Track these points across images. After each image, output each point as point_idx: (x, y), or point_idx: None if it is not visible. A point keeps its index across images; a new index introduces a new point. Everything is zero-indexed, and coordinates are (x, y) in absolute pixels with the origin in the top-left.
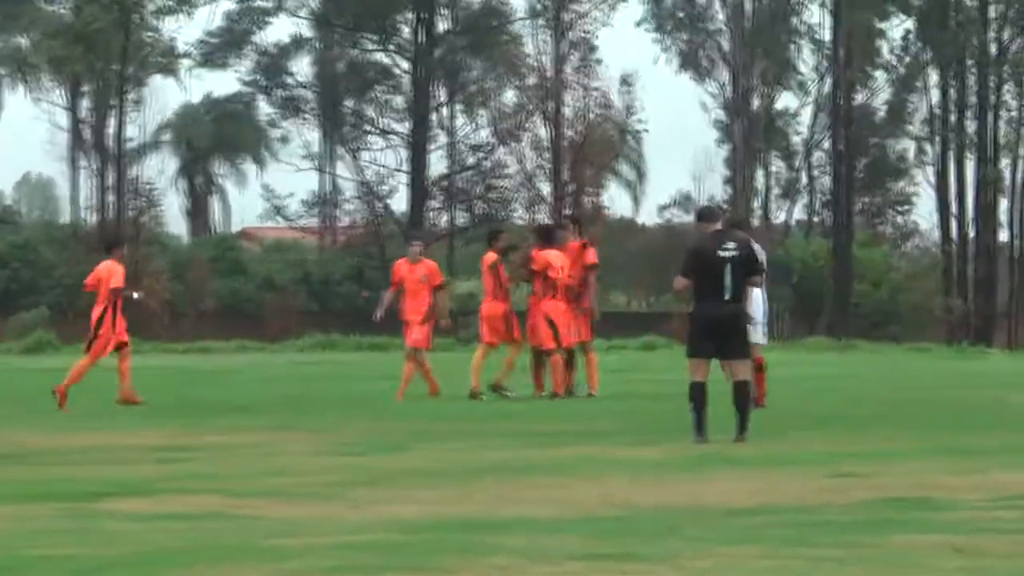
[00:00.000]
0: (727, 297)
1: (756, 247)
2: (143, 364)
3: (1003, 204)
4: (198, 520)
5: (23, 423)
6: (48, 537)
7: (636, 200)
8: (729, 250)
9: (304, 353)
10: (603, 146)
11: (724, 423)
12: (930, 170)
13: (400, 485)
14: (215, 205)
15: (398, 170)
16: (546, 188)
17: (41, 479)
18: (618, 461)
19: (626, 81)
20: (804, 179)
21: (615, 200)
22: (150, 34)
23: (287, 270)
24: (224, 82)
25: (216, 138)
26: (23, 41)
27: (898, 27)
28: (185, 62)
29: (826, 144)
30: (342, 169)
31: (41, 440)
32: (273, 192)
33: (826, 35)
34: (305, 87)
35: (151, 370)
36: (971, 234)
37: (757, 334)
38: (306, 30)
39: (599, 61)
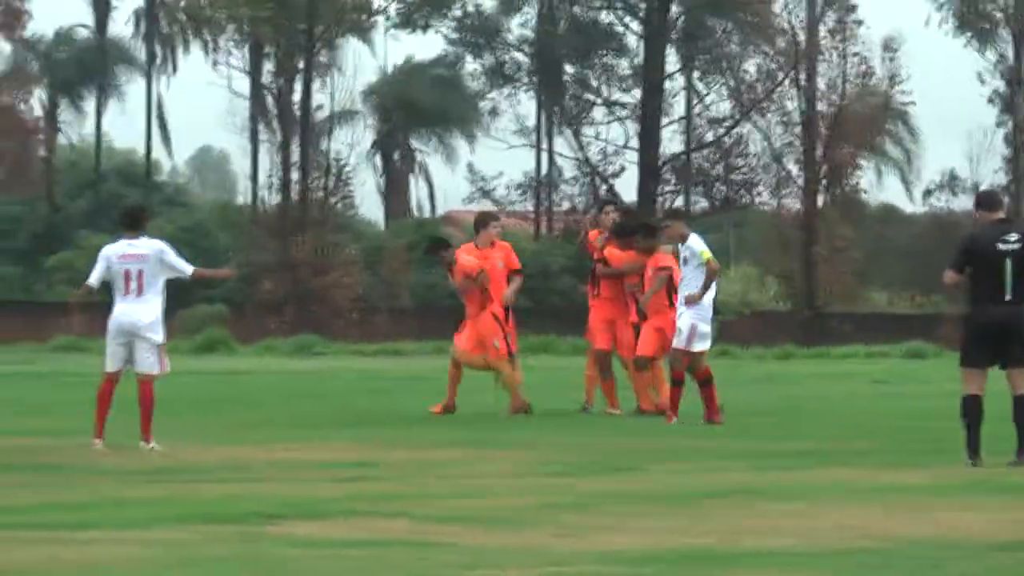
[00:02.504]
0: (1008, 297)
1: None
2: (327, 366)
3: None
4: (381, 547)
5: (189, 434)
6: (211, 565)
7: (907, 184)
8: (1011, 243)
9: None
10: (862, 121)
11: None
12: None
13: (614, 511)
14: (415, 185)
15: (625, 147)
16: (796, 169)
17: (206, 498)
18: (872, 486)
19: (890, 46)
20: None
21: (876, 184)
22: None
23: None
24: (426, 45)
25: (417, 109)
26: None
27: None
28: (381, 21)
29: None
30: (561, 146)
31: (207, 454)
32: (478, 173)
33: None
34: (519, 50)
35: (336, 373)
36: None
37: None
38: None
39: (859, 23)
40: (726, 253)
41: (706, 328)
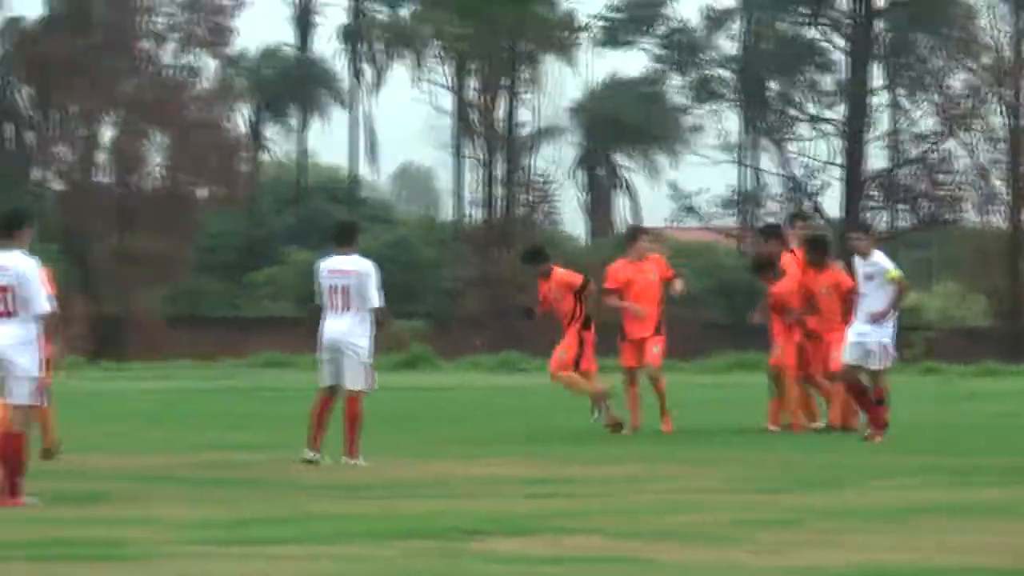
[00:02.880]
0: None
1: None
2: (530, 383)
3: None
4: (578, 563)
5: (391, 450)
6: None
7: None
8: None
9: (714, 374)
10: None
11: None
12: None
13: (818, 527)
14: (619, 201)
15: (830, 163)
16: (1001, 185)
17: (407, 514)
18: None
19: None
20: None
21: None
22: (546, 6)
23: (700, 277)
24: (629, 62)
25: (621, 125)
26: (405, 10)
27: None
28: (585, 38)
29: None
30: (765, 161)
31: (409, 470)
32: (681, 191)
33: None
34: (724, 66)
35: (537, 390)
36: None
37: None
38: (724, 0)
39: None
40: (928, 270)
41: (890, 347)
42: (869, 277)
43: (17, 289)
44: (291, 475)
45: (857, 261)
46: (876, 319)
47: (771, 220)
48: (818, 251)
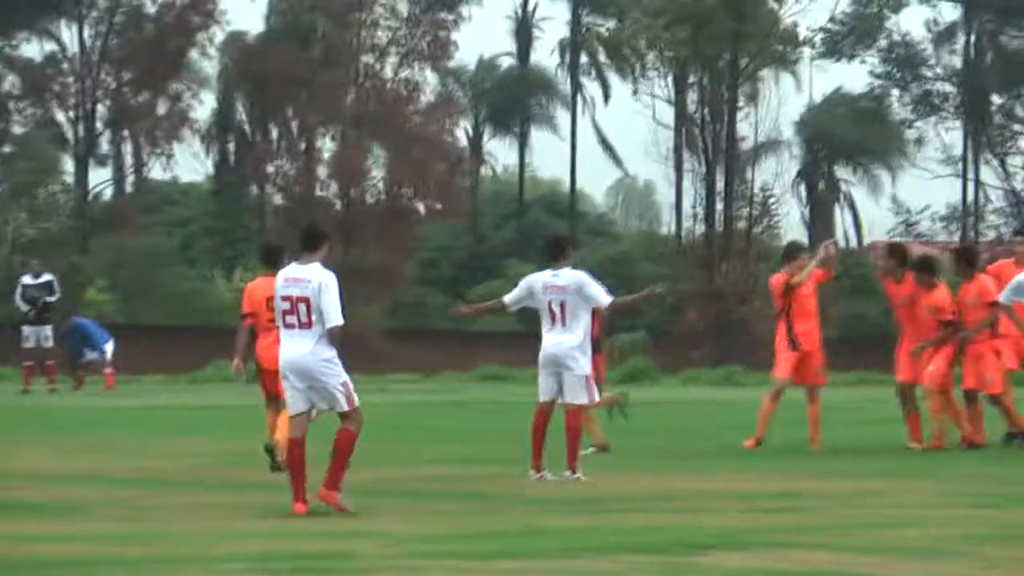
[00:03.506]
0: None
1: None
2: (751, 396)
3: None
4: None
5: (614, 464)
6: None
7: None
8: None
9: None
10: None
11: None
12: None
13: None
14: (840, 215)
15: None
16: None
17: (631, 528)
18: None
19: None
20: None
21: None
22: (767, 19)
23: None
24: (851, 74)
25: (842, 139)
26: (624, 22)
27: None
28: (807, 52)
29: None
30: (987, 175)
31: (632, 483)
32: (902, 205)
33: None
34: (947, 80)
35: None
36: None
37: None
38: (948, 14)
39: None
40: None
41: None
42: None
43: (313, 301)
44: (516, 489)
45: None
46: None
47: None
48: (965, 261)
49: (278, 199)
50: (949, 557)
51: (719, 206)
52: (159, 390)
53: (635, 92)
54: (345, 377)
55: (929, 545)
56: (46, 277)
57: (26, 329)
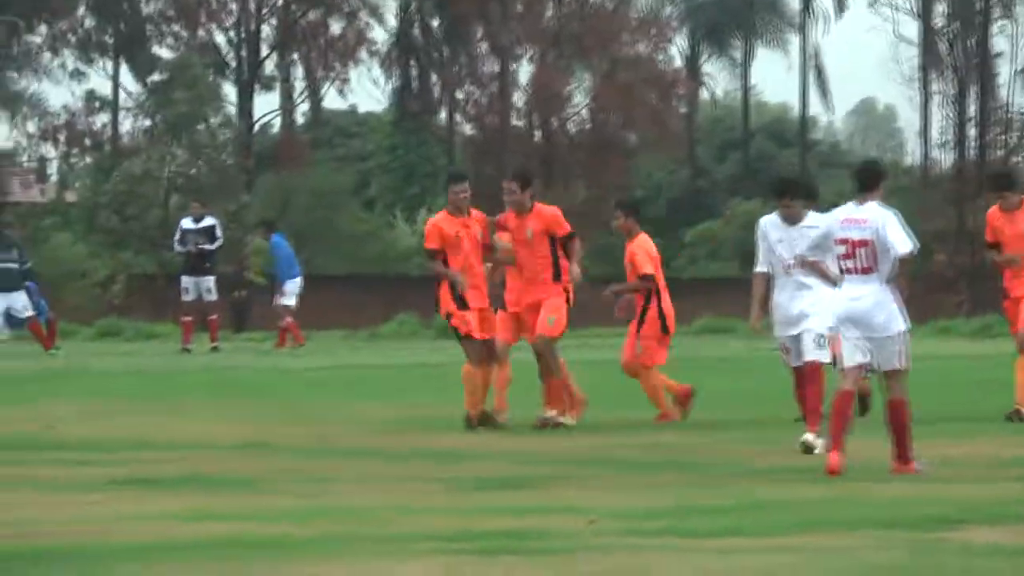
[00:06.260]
0: None
1: None
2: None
3: None
4: None
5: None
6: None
7: None
8: None
9: None
10: None
11: None
12: None
13: None
14: None
15: None
16: None
17: (876, 500)
18: None
19: None
20: None
21: None
22: None
23: None
24: None
25: None
26: None
27: None
28: None
29: None
30: None
31: (871, 450)
32: None
33: None
34: None
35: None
36: None
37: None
38: None
39: None
40: None
41: None
42: None
43: (876, 243)
44: (739, 458)
45: None
46: None
47: None
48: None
49: (467, 130)
50: None
51: (971, 132)
52: (337, 347)
53: (872, 4)
54: (904, 327)
55: None
56: (208, 221)
57: (185, 280)
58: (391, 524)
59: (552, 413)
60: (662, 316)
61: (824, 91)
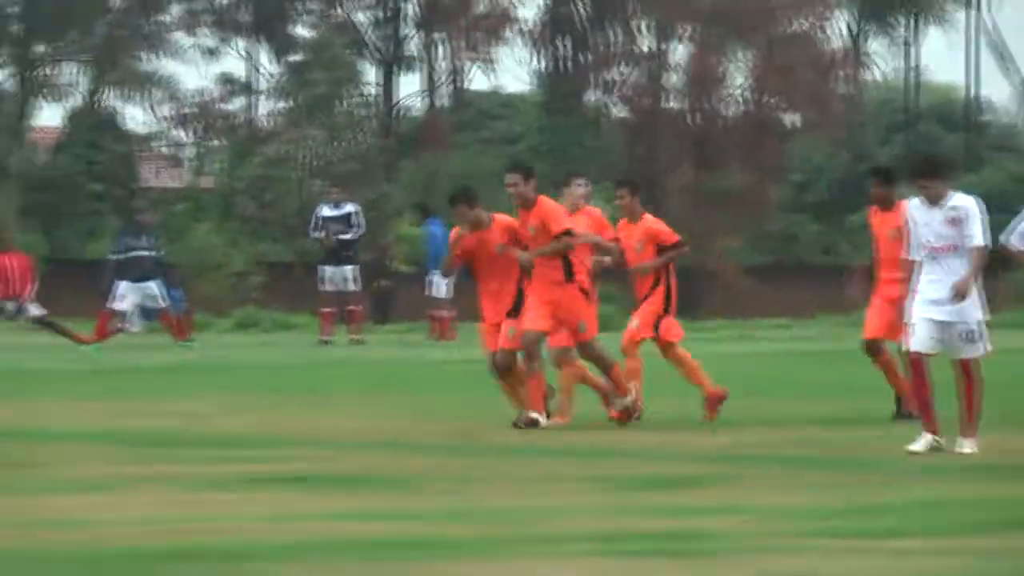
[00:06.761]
0: None
1: None
2: None
3: None
4: None
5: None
6: None
7: None
8: None
9: None
10: None
11: None
12: None
13: None
14: None
15: None
16: None
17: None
18: None
19: None
20: None
21: None
22: None
23: None
24: None
25: None
26: None
27: None
28: None
29: None
30: None
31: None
32: None
33: None
34: None
35: None
36: None
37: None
38: None
39: None
40: None
41: None
42: None
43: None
44: (903, 455)
45: None
46: None
47: None
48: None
49: (619, 112)
50: None
51: None
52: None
53: None
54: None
55: None
56: (347, 208)
57: (327, 270)
58: (544, 524)
59: (535, 414)
60: (668, 296)
61: (1006, 70)
